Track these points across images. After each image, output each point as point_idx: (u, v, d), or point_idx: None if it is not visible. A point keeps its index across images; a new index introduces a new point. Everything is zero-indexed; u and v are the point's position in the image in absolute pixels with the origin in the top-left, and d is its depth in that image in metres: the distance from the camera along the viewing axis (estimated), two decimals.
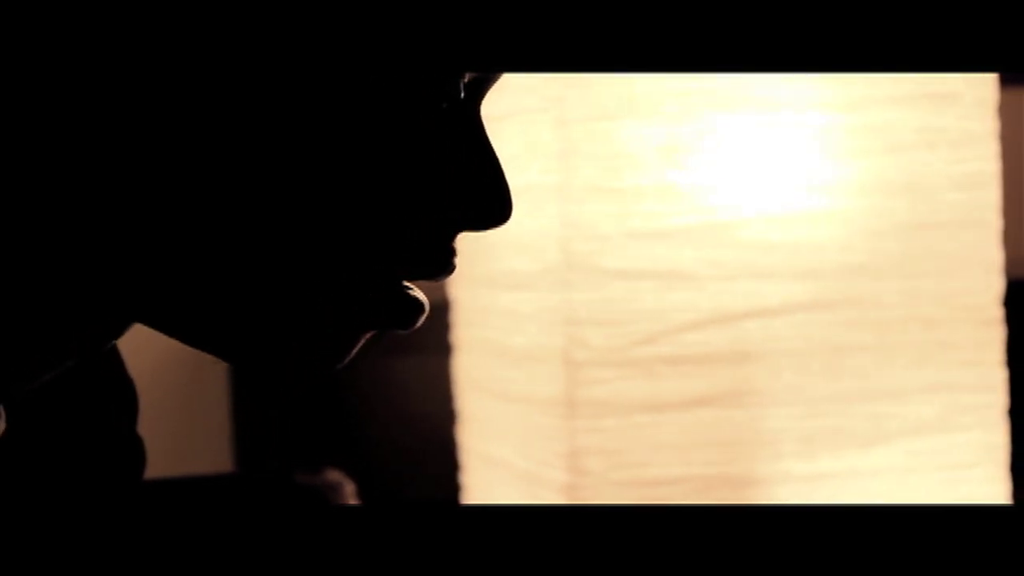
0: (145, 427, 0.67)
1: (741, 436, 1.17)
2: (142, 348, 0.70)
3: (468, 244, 0.56)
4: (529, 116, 1.18)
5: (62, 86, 0.48)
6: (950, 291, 1.20)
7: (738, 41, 0.56)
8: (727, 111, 1.15)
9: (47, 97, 0.48)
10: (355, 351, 0.54)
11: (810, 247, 1.17)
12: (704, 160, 1.15)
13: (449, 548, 0.68)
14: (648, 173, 1.15)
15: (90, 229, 0.50)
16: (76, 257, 0.50)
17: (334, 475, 1.21)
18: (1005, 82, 1.25)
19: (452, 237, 0.54)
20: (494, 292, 1.27)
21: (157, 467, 0.71)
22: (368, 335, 0.54)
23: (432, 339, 1.37)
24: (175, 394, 1.51)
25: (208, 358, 0.56)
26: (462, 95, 0.54)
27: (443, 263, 0.54)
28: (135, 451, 0.66)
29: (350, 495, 1.20)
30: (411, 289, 0.54)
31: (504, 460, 1.27)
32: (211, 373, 1.55)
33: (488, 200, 0.54)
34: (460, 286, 1.34)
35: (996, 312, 1.22)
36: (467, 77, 0.54)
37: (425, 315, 0.55)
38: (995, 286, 1.22)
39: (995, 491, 1.23)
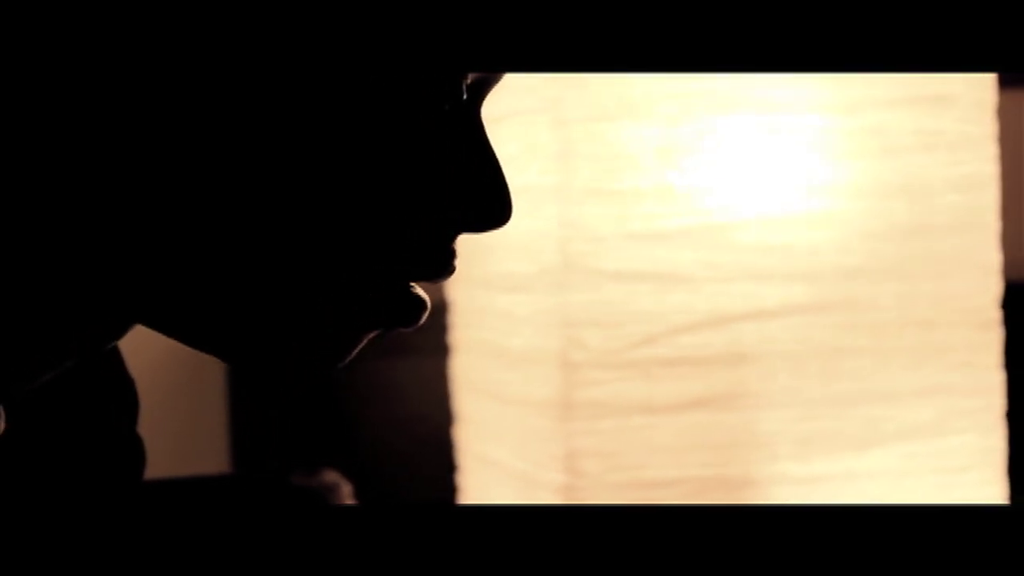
0: (142, 428, 0.67)
1: (737, 438, 1.17)
2: (140, 349, 0.70)
3: (466, 245, 0.56)
4: (527, 117, 1.18)
5: (63, 87, 0.48)
6: (947, 294, 1.20)
7: (737, 41, 0.56)
8: (725, 113, 1.15)
9: (48, 99, 0.48)
10: (357, 350, 0.54)
11: (807, 249, 1.17)
12: (702, 162, 1.15)
13: (445, 548, 0.68)
14: (646, 175, 1.15)
15: (91, 230, 0.50)
16: (77, 257, 0.50)
17: (331, 476, 1.21)
18: (1003, 84, 1.24)
19: (452, 238, 0.54)
20: (491, 294, 1.27)
21: (154, 468, 0.70)
22: (371, 334, 0.54)
23: (430, 340, 1.37)
24: (172, 395, 1.51)
25: (205, 359, 0.56)
26: (464, 96, 0.54)
27: (443, 264, 0.54)
28: (135, 451, 0.66)
29: (347, 496, 1.20)
30: (413, 287, 0.54)
31: (501, 461, 1.27)
32: (208, 374, 1.55)
33: (488, 202, 0.54)
34: (458, 288, 1.34)
35: (994, 315, 1.22)
36: (469, 78, 0.54)
37: (427, 313, 0.55)
38: (993, 289, 1.22)
39: (992, 495, 1.23)
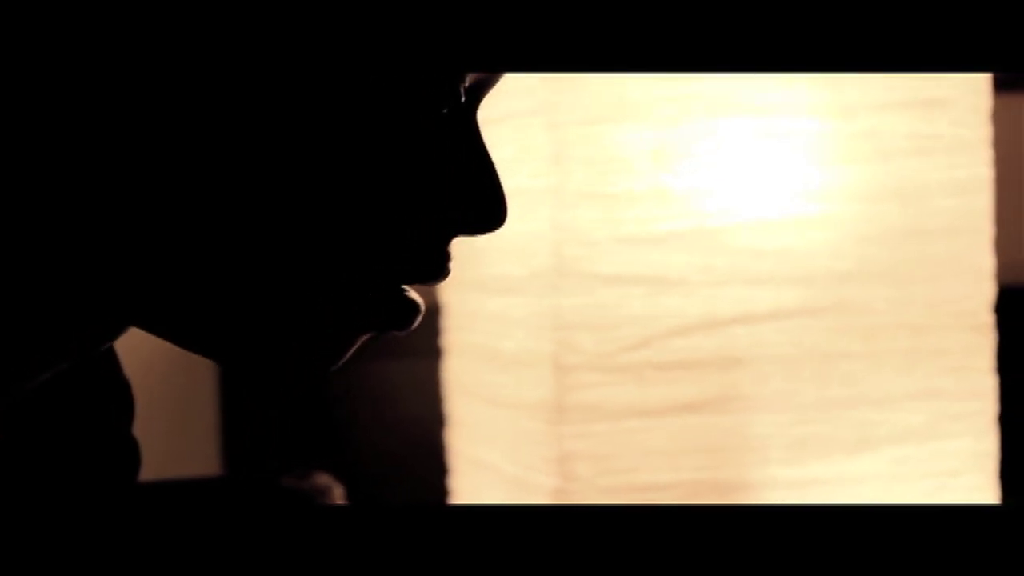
0: (133, 429, 0.67)
1: (730, 442, 1.16)
2: (130, 351, 0.70)
3: (459, 248, 0.56)
4: (521, 120, 1.18)
5: (60, 88, 0.48)
6: (941, 298, 1.20)
7: (735, 41, 0.56)
8: (719, 116, 1.15)
9: (46, 100, 0.48)
10: (351, 353, 0.54)
11: (801, 253, 1.17)
12: (695, 165, 1.15)
13: (436, 549, 0.68)
14: (640, 178, 1.14)
15: (88, 231, 0.50)
16: (73, 258, 0.50)
17: (323, 478, 1.21)
18: (998, 88, 1.24)
19: (448, 240, 0.54)
20: (484, 296, 1.27)
21: (145, 470, 0.70)
22: (365, 337, 0.54)
23: (422, 343, 1.37)
24: (163, 397, 1.51)
25: (196, 361, 0.56)
26: (463, 99, 0.54)
27: (439, 266, 0.54)
28: (131, 453, 0.66)
29: (339, 498, 1.20)
30: (407, 290, 0.54)
31: (493, 464, 1.27)
32: (200, 376, 1.54)
33: (484, 204, 0.54)
34: (450, 290, 1.34)
35: (987, 319, 1.22)
36: (467, 81, 0.54)
37: (421, 317, 0.55)
38: (986, 293, 1.22)
39: (984, 499, 1.23)
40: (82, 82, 0.48)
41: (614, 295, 1.15)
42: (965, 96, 1.21)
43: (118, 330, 0.54)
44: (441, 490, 1.38)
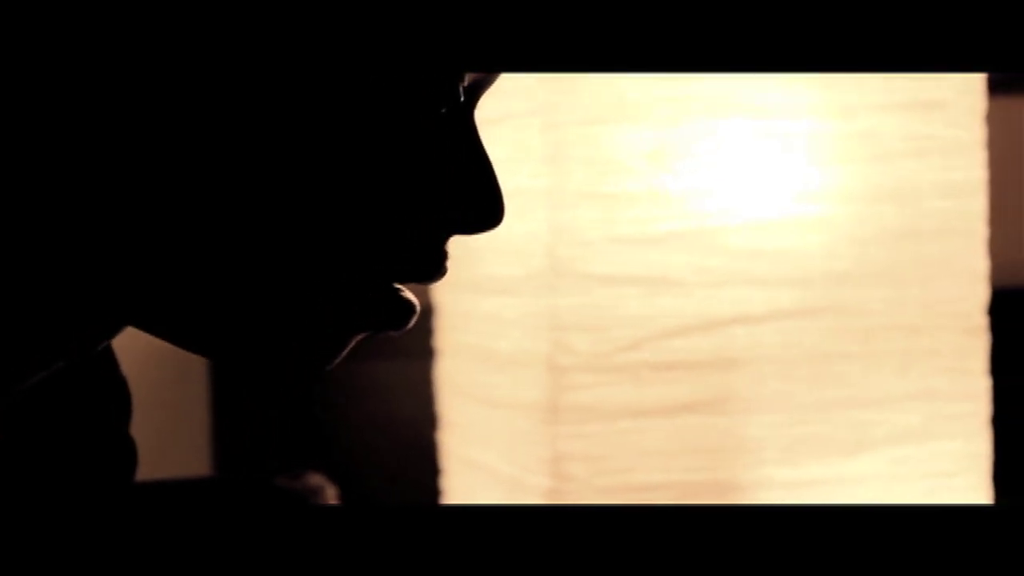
0: None
1: (725, 443, 1.16)
2: (122, 351, 0.70)
3: (453, 248, 0.56)
4: (518, 120, 1.17)
5: (59, 88, 0.48)
6: (935, 299, 1.20)
7: (732, 41, 0.56)
8: (716, 117, 1.15)
9: (44, 99, 0.48)
10: (345, 353, 0.54)
11: (797, 254, 1.17)
12: (692, 166, 1.15)
13: (430, 550, 0.68)
14: (636, 178, 1.14)
15: (86, 230, 0.49)
16: (72, 257, 0.50)
17: (316, 479, 1.21)
18: (993, 90, 1.25)
19: (445, 239, 0.54)
20: (479, 297, 1.27)
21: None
22: (359, 336, 0.54)
23: (415, 343, 1.36)
24: (155, 396, 1.51)
25: (189, 360, 0.56)
26: (461, 98, 0.54)
27: (436, 265, 0.54)
28: (128, 452, 0.65)
29: (332, 499, 1.20)
30: (402, 290, 0.54)
31: (487, 465, 1.27)
32: (192, 375, 1.54)
33: (481, 203, 0.54)
34: (444, 290, 1.34)
35: (981, 320, 1.22)
36: (465, 80, 0.54)
37: (416, 317, 0.55)
38: (980, 294, 1.22)
39: (978, 500, 1.23)
40: (80, 81, 0.48)
41: (610, 295, 1.15)
42: (961, 98, 1.21)
43: (115, 329, 0.54)
44: (434, 491, 1.37)
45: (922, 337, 1.20)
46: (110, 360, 0.64)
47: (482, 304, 1.26)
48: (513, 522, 0.72)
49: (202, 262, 0.50)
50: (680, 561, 0.73)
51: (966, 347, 1.22)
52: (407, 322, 0.54)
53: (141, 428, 0.67)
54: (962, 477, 1.22)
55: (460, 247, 0.56)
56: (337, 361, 0.55)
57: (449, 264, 0.55)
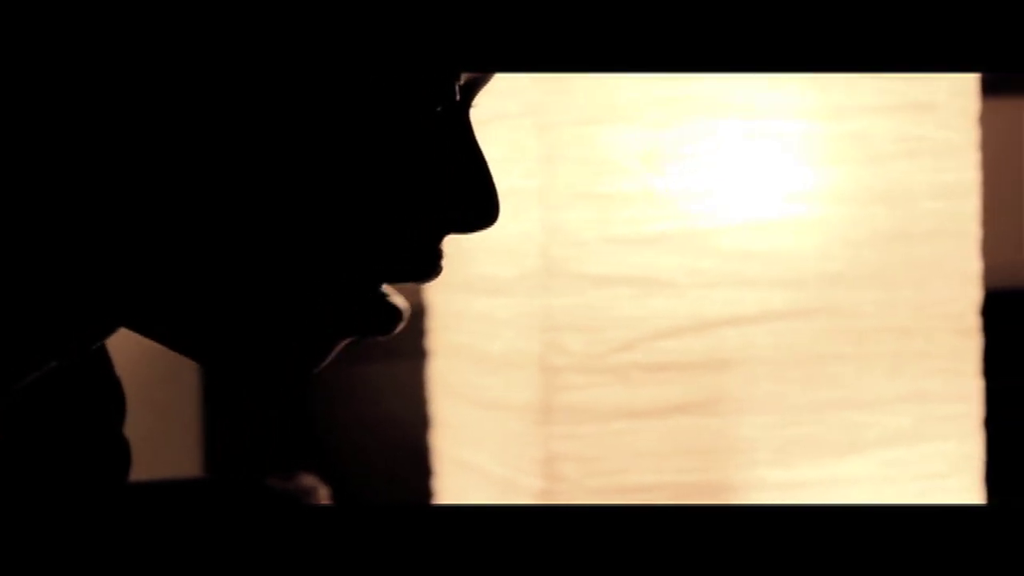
0: None
1: (718, 444, 1.16)
2: (112, 351, 0.70)
3: (446, 248, 0.56)
4: (511, 121, 1.17)
5: (56, 88, 0.48)
6: (927, 300, 1.21)
7: (724, 42, 0.56)
8: (709, 118, 1.15)
9: (41, 99, 0.48)
10: (331, 357, 0.54)
11: (789, 255, 1.17)
12: (685, 167, 1.15)
13: (423, 550, 0.68)
14: (629, 179, 1.14)
15: (79, 231, 0.49)
16: (66, 257, 0.50)
17: (308, 479, 1.20)
18: (985, 92, 1.25)
19: (440, 238, 0.54)
20: (471, 297, 1.27)
21: None
22: (346, 341, 0.54)
23: (407, 344, 1.36)
24: (145, 397, 1.50)
25: (179, 361, 0.55)
26: (457, 97, 0.54)
27: (431, 264, 0.54)
28: (122, 452, 0.65)
29: (325, 499, 1.20)
30: (390, 295, 0.54)
31: (479, 466, 1.27)
32: (182, 377, 1.54)
33: (477, 202, 0.54)
34: (436, 291, 1.34)
35: (973, 322, 1.22)
36: (461, 79, 0.54)
37: (404, 322, 0.55)
38: (972, 296, 1.22)
39: (970, 501, 1.23)
40: (77, 81, 0.48)
41: (603, 296, 1.15)
42: (953, 99, 1.21)
43: (109, 329, 0.54)
44: (425, 492, 1.37)
45: (914, 338, 1.20)
46: (104, 360, 0.64)
47: (475, 304, 1.26)
48: (505, 523, 0.72)
49: (196, 262, 0.50)
50: (673, 562, 0.73)
51: (959, 348, 1.22)
52: (395, 327, 0.55)
53: (131, 428, 0.67)
54: (955, 478, 1.22)
55: (452, 247, 0.56)
56: (323, 365, 0.55)
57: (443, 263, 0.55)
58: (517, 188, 1.17)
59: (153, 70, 0.48)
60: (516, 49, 0.52)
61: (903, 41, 0.66)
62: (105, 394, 0.64)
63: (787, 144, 1.17)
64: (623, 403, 1.15)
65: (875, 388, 1.19)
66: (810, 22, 0.59)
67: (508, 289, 1.20)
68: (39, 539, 0.57)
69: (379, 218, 0.52)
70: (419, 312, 1.35)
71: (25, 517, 0.58)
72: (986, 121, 1.25)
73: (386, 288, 0.54)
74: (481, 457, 1.26)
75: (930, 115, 1.20)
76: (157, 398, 1.52)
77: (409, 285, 0.55)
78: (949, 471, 1.22)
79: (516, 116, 1.17)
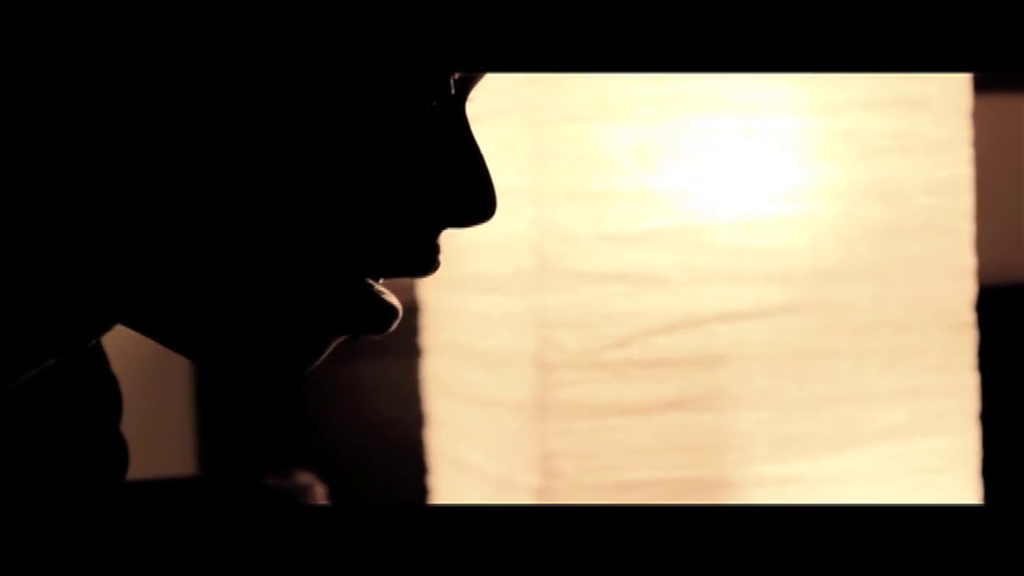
0: None
1: (713, 440, 1.16)
2: (107, 348, 0.70)
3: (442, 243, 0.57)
4: (503, 118, 1.17)
5: (55, 87, 0.48)
6: (922, 296, 1.21)
7: (717, 41, 0.56)
8: (701, 115, 1.15)
9: (40, 99, 0.48)
10: (325, 355, 0.54)
11: (783, 251, 1.17)
12: (677, 164, 1.15)
13: (419, 548, 0.68)
14: (622, 176, 1.14)
15: (76, 228, 0.50)
16: (63, 254, 0.50)
17: (305, 477, 1.20)
18: (978, 88, 1.25)
19: (437, 233, 0.54)
20: (465, 295, 1.27)
21: None
22: (340, 339, 0.54)
23: (401, 342, 1.36)
24: (138, 395, 1.50)
25: (172, 358, 0.55)
26: (452, 93, 0.54)
27: (429, 259, 0.54)
28: (118, 449, 0.65)
29: (321, 497, 1.20)
30: (384, 293, 0.54)
31: (474, 464, 1.27)
32: (175, 374, 1.54)
33: (473, 196, 0.54)
34: (430, 288, 1.34)
35: (968, 317, 1.23)
36: (456, 75, 0.54)
37: (398, 320, 0.55)
38: (967, 291, 1.23)
39: (965, 496, 1.23)
40: (76, 81, 0.48)
41: (597, 293, 1.15)
42: (946, 96, 1.21)
43: (105, 326, 0.54)
44: (421, 490, 1.37)
45: (909, 334, 1.20)
46: (100, 358, 0.64)
47: (469, 302, 1.26)
48: (501, 520, 0.72)
49: (192, 259, 0.50)
50: (669, 559, 0.73)
51: (953, 344, 1.22)
52: (389, 325, 0.55)
53: (125, 426, 0.67)
54: (950, 473, 1.22)
55: (445, 245, 0.56)
56: (317, 364, 0.55)
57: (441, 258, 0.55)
58: (510, 186, 1.17)
59: (151, 69, 0.48)
60: (511, 46, 0.52)
61: (897, 41, 0.66)
62: (102, 391, 0.64)
63: (781, 140, 1.17)
64: (618, 399, 1.15)
65: (870, 384, 1.19)
66: (804, 22, 0.59)
67: (502, 286, 1.20)
68: (37, 537, 0.57)
69: (376, 213, 0.52)
70: (412, 310, 1.35)
71: (23, 515, 0.58)
72: (982, 117, 1.26)
73: (380, 286, 0.54)
74: (476, 454, 1.26)
75: (923, 111, 1.20)
76: (151, 394, 1.52)
77: (402, 282, 0.55)
78: (944, 466, 1.22)
79: (509, 113, 1.17)
